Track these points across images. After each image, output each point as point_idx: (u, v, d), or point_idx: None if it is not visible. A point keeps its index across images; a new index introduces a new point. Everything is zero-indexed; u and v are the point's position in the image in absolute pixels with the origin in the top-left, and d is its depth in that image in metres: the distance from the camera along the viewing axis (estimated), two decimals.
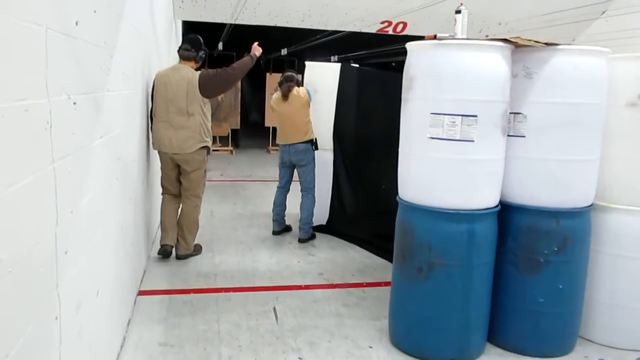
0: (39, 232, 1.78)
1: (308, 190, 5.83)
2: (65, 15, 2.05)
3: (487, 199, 3.30)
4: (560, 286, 3.37)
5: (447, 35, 3.23)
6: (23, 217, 1.63)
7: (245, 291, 4.38)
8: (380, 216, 5.31)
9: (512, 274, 3.44)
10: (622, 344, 3.61)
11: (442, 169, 3.24)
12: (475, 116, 3.14)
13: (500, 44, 3.19)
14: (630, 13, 6.06)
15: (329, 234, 6.08)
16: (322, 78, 6.13)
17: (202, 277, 4.66)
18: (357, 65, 6.42)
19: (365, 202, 5.88)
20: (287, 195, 6.01)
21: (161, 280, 4.55)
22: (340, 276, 4.85)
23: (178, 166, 4.95)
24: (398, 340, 3.53)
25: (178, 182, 5.07)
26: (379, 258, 5.34)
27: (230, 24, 8.35)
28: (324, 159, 5.99)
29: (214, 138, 12.89)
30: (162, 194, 5.13)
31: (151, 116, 4.89)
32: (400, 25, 7.66)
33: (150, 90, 4.88)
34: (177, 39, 8.49)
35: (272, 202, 6.04)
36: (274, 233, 6.04)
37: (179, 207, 5.17)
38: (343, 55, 10.33)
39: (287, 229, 6.13)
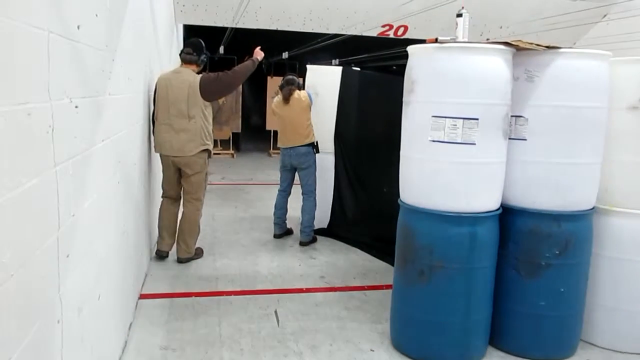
0: (40, 236, 1.78)
1: (309, 193, 5.83)
2: (67, 19, 2.06)
3: (489, 202, 3.30)
4: (562, 289, 3.37)
5: (448, 38, 3.23)
6: (25, 221, 1.64)
7: (246, 294, 4.38)
8: (381, 219, 5.31)
9: (513, 277, 3.43)
10: (623, 348, 3.60)
11: (443, 172, 3.24)
12: (477, 119, 3.14)
13: (502, 47, 3.20)
14: (631, 17, 6.06)
15: (331, 237, 6.08)
16: (324, 81, 6.13)
17: (204, 281, 4.66)
18: (358, 69, 6.42)
19: (366, 205, 5.89)
20: (289, 199, 6.01)
21: (162, 283, 4.55)
22: (341, 279, 4.84)
23: (179, 169, 4.95)
24: (399, 344, 3.53)
25: (178, 185, 5.08)
26: (381, 261, 5.33)
27: (232, 28, 8.36)
28: (325, 162, 5.99)
29: (215, 141, 12.91)
30: (162, 197, 5.14)
31: (153, 120, 4.90)
32: (402, 29, 7.67)
33: (152, 93, 4.90)
34: (179, 43, 8.51)
35: (273, 206, 6.04)
36: (275, 236, 6.04)
37: (177, 211, 5.18)
38: (344, 59, 10.32)
39: (289, 232, 6.13)
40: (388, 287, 4.20)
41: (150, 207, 5.02)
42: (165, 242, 5.10)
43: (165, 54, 6.29)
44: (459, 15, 3.34)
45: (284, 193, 5.98)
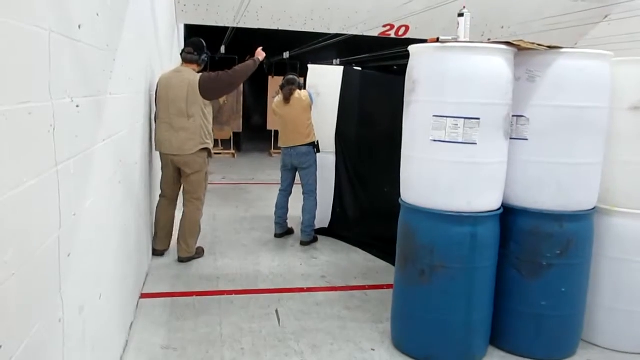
0: (42, 235, 1.78)
1: (310, 193, 5.83)
2: (68, 19, 2.06)
3: (490, 202, 3.30)
4: (563, 289, 3.37)
5: (450, 38, 3.23)
6: (26, 220, 1.64)
7: (247, 294, 4.38)
8: (382, 219, 5.30)
9: (514, 277, 3.43)
10: (624, 348, 3.60)
11: (444, 171, 3.24)
12: (478, 119, 3.14)
13: (503, 47, 3.19)
14: (632, 17, 6.06)
15: (331, 237, 6.08)
16: (325, 81, 6.13)
17: (205, 280, 4.66)
18: (359, 68, 6.42)
19: (367, 205, 5.89)
20: (289, 198, 6.01)
21: (164, 283, 4.55)
22: (342, 279, 4.84)
23: (178, 169, 4.96)
24: (400, 343, 3.53)
25: (176, 185, 5.09)
26: (381, 261, 5.33)
27: (233, 28, 8.36)
28: (326, 162, 5.99)
29: (216, 141, 12.92)
30: (160, 196, 5.15)
31: (155, 119, 4.91)
32: (403, 29, 7.67)
33: (154, 93, 4.91)
34: (180, 43, 8.51)
35: (274, 205, 6.04)
36: (276, 236, 6.04)
37: (174, 211, 5.20)
38: (345, 59, 10.34)
39: (289, 231, 6.13)
40: (389, 286, 4.20)
41: (151, 207, 5.03)
42: (160, 241, 5.15)
43: (166, 53, 6.29)
44: (461, 14, 3.34)
45: (285, 193, 5.99)
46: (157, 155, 5.05)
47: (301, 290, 4.54)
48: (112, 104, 2.94)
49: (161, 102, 4.85)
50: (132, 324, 3.69)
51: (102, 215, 2.70)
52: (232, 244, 5.78)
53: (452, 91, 3.18)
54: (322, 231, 6.10)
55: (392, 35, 7.93)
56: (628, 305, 3.57)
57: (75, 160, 2.14)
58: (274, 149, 13.09)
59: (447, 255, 3.24)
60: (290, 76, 5.84)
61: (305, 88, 6.01)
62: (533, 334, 3.42)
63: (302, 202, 5.87)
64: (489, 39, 7.33)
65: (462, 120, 3.15)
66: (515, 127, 3.38)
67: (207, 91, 4.84)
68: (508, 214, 3.41)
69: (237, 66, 5.10)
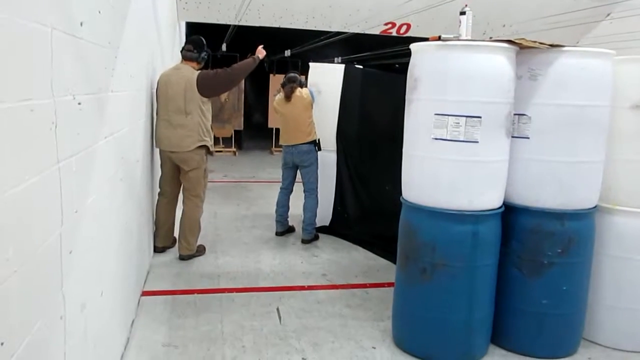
0: (44, 232, 1.78)
1: (311, 191, 5.84)
2: (70, 16, 2.06)
3: (491, 200, 3.30)
4: (564, 288, 3.37)
5: (451, 36, 3.23)
6: (28, 217, 1.64)
7: (248, 292, 4.39)
8: (383, 217, 5.31)
9: (516, 275, 3.43)
10: (625, 346, 3.60)
11: (446, 170, 3.24)
12: (480, 117, 3.14)
13: (505, 45, 3.19)
14: (634, 15, 6.05)
15: (332, 235, 6.08)
16: (326, 79, 6.13)
17: (206, 278, 4.66)
18: (361, 67, 6.41)
19: (368, 203, 5.89)
20: (290, 197, 6.01)
21: (165, 281, 4.56)
22: (343, 277, 4.85)
23: (178, 166, 4.97)
24: (401, 341, 3.53)
25: (175, 183, 5.10)
26: (383, 259, 5.34)
27: (234, 26, 8.35)
28: (328, 160, 5.99)
29: (217, 139, 12.92)
30: (159, 194, 5.16)
31: (156, 117, 4.92)
32: (404, 27, 7.67)
33: (155, 90, 4.91)
34: (181, 40, 8.50)
35: (275, 203, 6.05)
36: (277, 234, 6.05)
37: (173, 209, 5.22)
38: (347, 57, 10.32)
39: (290, 230, 6.14)
40: (390, 285, 4.21)
41: (152, 204, 5.04)
42: (161, 238, 5.18)
43: (167, 51, 6.29)
44: (462, 13, 3.34)
45: (286, 191, 5.99)
46: (158, 152, 5.05)
47: (302, 288, 4.54)
48: (114, 102, 2.94)
49: (160, 100, 4.86)
50: (133, 321, 3.69)
51: (103, 212, 2.70)
52: (233, 242, 5.78)
53: (453, 89, 3.18)
54: (323, 229, 6.11)
55: (394, 34, 7.92)
56: (629, 304, 3.57)
57: (77, 158, 2.14)
58: (275, 147, 13.09)
59: (448, 254, 3.24)
60: (292, 74, 5.84)
61: (306, 86, 6.01)
62: (534, 332, 3.43)
63: (302, 200, 5.88)
64: (490, 37, 7.32)
65: (464, 118, 3.14)
66: (516, 125, 3.38)
67: (205, 88, 4.84)
68: (509, 213, 3.41)
69: (235, 64, 5.10)
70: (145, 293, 4.22)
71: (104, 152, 2.67)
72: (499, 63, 3.18)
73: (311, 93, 5.77)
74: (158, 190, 5.18)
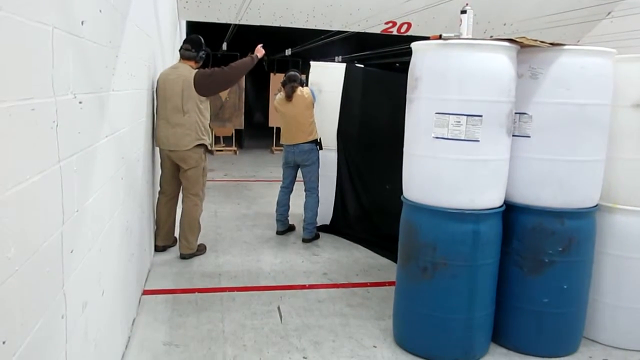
0: (45, 231, 1.78)
1: (312, 190, 5.84)
2: (71, 15, 2.06)
3: (492, 199, 3.29)
4: (565, 286, 3.37)
5: (452, 35, 3.22)
6: (29, 216, 1.64)
7: (249, 291, 4.39)
8: (384, 216, 5.32)
9: (516, 274, 3.44)
10: (626, 345, 3.60)
11: (446, 169, 3.24)
12: (480, 116, 3.14)
13: (506, 44, 3.19)
14: (635, 14, 6.04)
15: (333, 234, 6.09)
16: (327, 78, 6.13)
17: (207, 277, 4.67)
18: (362, 66, 6.42)
19: (369, 202, 5.89)
20: (291, 196, 6.01)
21: (165, 280, 4.56)
22: (344, 276, 4.85)
23: (177, 165, 4.97)
24: (402, 340, 3.53)
25: (175, 181, 5.11)
26: (383, 258, 5.34)
27: (235, 25, 8.35)
28: (328, 159, 5.99)
29: (218, 138, 12.93)
30: (159, 193, 5.17)
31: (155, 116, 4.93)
32: (405, 26, 7.67)
33: (155, 90, 4.92)
34: (181, 40, 8.49)
35: (276, 203, 6.05)
36: (278, 233, 6.05)
37: (173, 208, 5.23)
38: (347, 56, 10.32)
39: (291, 228, 6.14)
40: (391, 284, 4.21)
41: (153, 203, 5.04)
42: (161, 237, 5.20)
43: (168, 50, 6.29)
44: (463, 11, 3.33)
45: (287, 190, 5.99)
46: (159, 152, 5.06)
47: (303, 287, 4.55)
48: (115, 101, 2.94)
49: (159, 99, 4.88)
50: (134, 320, 3.70)
51: (104, 211, 2.70)
52: (233, 241, 5.78)
53: (454, 88, 3.18)
54: (323, 228, 6.11)
55: (394, 33, 7.92)
56: (630, 303, 3.56)
57: (78, 157, 2.14)
58: (276, 146, 13.09)
59: (449, 253, 3.24)
60: (292, 73, 5.83)
61: (307, 85, 6.00)
62: (535, 331, 3.43)
63: (303, 199, 5.87)
64: (491, 36, 7.32)
65: (465, 117, 3.14)
66: (517, 124, 3.38)
67: (202, 87, 4.85)
68: (510, 211, 3.41)
69: (233, 63, 5.10)
70: (146, 292, 4.23)
71: (104, 151, 2.67)
72: (500, 62, 3.18)
73: (312, 92, 5.77)
74: (159, 189, 5.18)
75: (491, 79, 3.17)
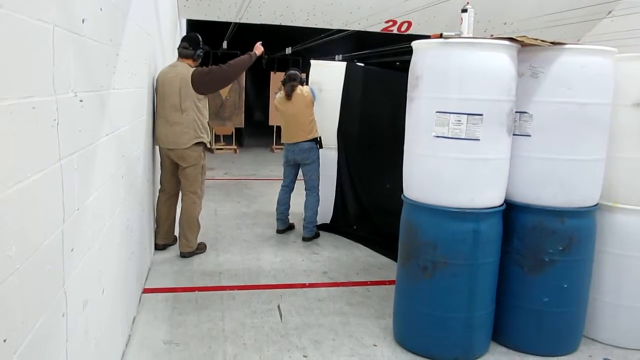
0: (46, 230, 1.78)
1: (312, 189, 5.84)
2: (72, 13, 2.06)
3: (493, 198, 3.30)
4: (565, 285, 3.37)
5: (453, 34, 3.22)
6: (30, 214, 1.64)
7: (249, 289, 4.39)
8: (384, 215, 5.32)
9: (517, 273, 3.44)
10: (626, 344, 3.60)
11: (447, 167, 3.24)
12: (481, 115, 3.14)
13: (507, 43, 3.19)
14: (636, 13, 6.04)
15: (333, 233, 6.09)
16: (328, 77, 6.13)
17: (207, 276, 4.67)
18: (362, 64, 6.41)
19: (369, 201, 5.89)
20: (291, 194, 6.01)
21: (166, 278, 4.56)
22: (344, 275, 4.85)
23: (176, 163, 4.98)
24: (402, 339, 3.54)
25: (174, 179, 5.11)
26: (383, 257, 5.34)
27: (235, 23, 8.34)
28: (329, 158, 5.99)
29: (218, 137, 12.92)
30: (159, 191, 5.18)
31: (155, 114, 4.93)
32: (405, 25, 7.66)
33: (154, 88, 4.92)
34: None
35: (276, 201, 6.05)
36: (278, 232, 6.05)
37: (174, 206, 5.23)
38: (347, 55, 10.30)
39: (291, 227, 6.14)
40: (391, 282, 4.22)
41: (153, 202, 5.04)
42: (162, 236, 5.21)
43: (168, 49, 6.28)
44: (464, 10, 3.33)
45: (287, 188, 5.99)
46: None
47: (303, 286, 4.55)
48: (115, 99, 2.94)
49: (158, 97, 4.89)
50: (134, 318, 3.70)
51: (105, 210, 2.70)
52: (233, 239, 5.79)
53: (455, 87, 3.18)
54: (324, 227, 6.11)
55: (395, 31, 7.91)
56: (630, 302, 3.57)
57: (79, 155, 2.14)
58: (276, 144, 13.09)
59: (449, 252, 3.24)
60: (292, 71, 5.83)
61: (307, 83, 6.00)
62: (535, 330, 3.43)
63: (303, 198, 5.87)
64: (491, 35, 7.31)
65: (465, 116, 3.14)
66: (518, 123, 3.38)
67: (200, 85, 4.85)
68: (511, 210, 3.41)
69: (231, 60, 5.10)
70: (146, 290, 4.23)
71: (105, 150, 2.67)
72: (500, 61, 3.18)
73: (312, 91, 5.77)
74: (159, 187, 5.19)
75: (492, 77, 3.17)
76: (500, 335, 3.53)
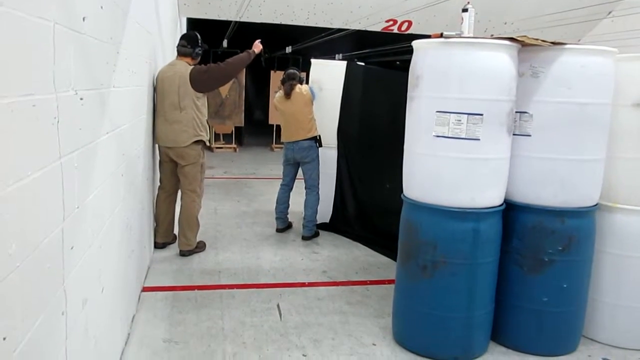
0: (46, 228, 1.78)
1: (312, 187, 5.84)
2: (72, 11, 2.05)
3: (493, 198, 3.30)
4: (565, 285, 3.37)
5: (453, 33, 3.22)
6: (30, 213, 1.64)
7: (249, 288, 4.39)
8: (384, 214, 5.32)
9: (516, 273, 3.44)
10: (625, 344, 3.61)
11: (447, 167, 3.24)
12: (481, 115, 3.14)
13: (507, 42, 3.19)
14: (636, 13, 6.04)
15: (333, 232, 6.09)
16: (328, 76, 6.13)
17: (206, 274, 4.67)
18: (362, 64, 6.41)
19: (369, 200, 5.89)
20: (291, 193, 6.01)
21: (165, 277, 4.56)
22: (344, 274, 4.85)
23: (175, 161, 4.98)
24: (401, 338, 3.54)
25: (174, 178, 5.11)
26: (383, 256, 5.34)
27: (235, 22, 8.34)
28: (328, 157, 5.99)
29: (218, 135, 12.92)
30: (158, 189, 5.18)
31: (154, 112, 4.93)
32: (406, 24, 7.65)
33: (154, 87, 4.92)
34: None
35: (276, 200, 6.05)
36: (278, 230, 6.05)
37: (173, 204, 5.24)
38: (348, 54, 10.30)
39: (290, 226, 6.14)
40: (390, 282, 4.22)
41: (153, 200, 5.04)
42: (160, 234, 5.21)
43: (168, 47, 6.28)
44: (465, 10, 3.33)
45: (287, 187, 5.99)
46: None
47: (302, 285, 4.55)
48: (116, 97, 2.94)
49: (158, 96, 4.89)
50: (134, 317, 3.70)
51: (105, 208, 2.70)
52: (233, 238, 5.78)
53: (455, 87, 3.18)
54: (323, 226, 6.11)
55: (395, 31, 7.90)
56: (629, 302, 3.57)
57: (79, 153, 2.14)
58: (276, 143, 13.08)
59: (449, 251, 3.24)
60: (291, 70, 5.83)
61: (307, 82, 6.00)
62: (534, 330, 3.43)
63: (303, 197, 5.87)
64: (492, 35, 7.31)
65: (465, 116, 3.14)
66: (518, 123, 3.38)
67: (198, 84, 4.85)
68: (510, 210, 3.41)
69: (230, 58, 5.10)
70: (145, 289, 4.23)
71: (105, 148, 2.67)
72: (501, 61, 3.18)
73: (311, 90, 5.77)
74: (158, 185, 5.19)
75: (492, 77, 3.17)
76: (499, 335, 3.53)
